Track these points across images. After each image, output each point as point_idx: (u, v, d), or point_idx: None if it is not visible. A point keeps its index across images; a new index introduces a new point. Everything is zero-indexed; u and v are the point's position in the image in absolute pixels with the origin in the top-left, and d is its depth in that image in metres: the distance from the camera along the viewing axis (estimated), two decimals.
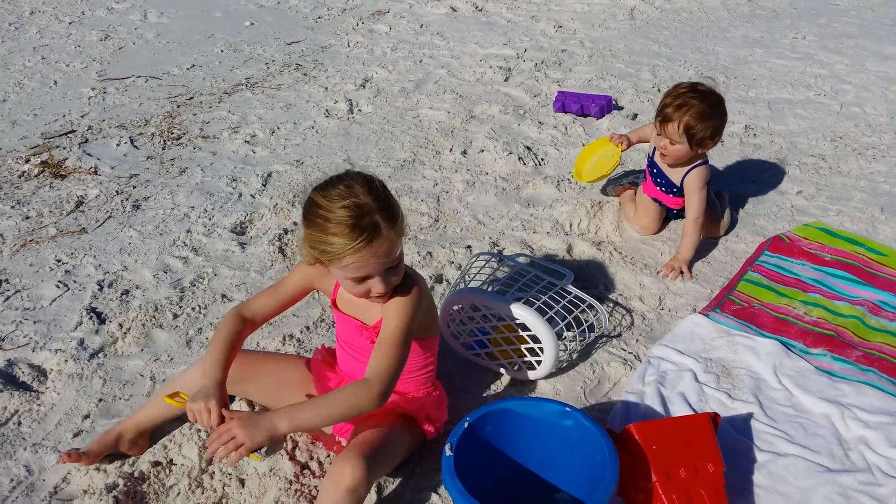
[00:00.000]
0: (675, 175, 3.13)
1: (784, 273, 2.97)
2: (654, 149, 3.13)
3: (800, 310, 2.76)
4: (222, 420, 1.78)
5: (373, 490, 2.03)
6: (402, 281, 1.92)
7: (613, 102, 4.61)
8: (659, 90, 4.85)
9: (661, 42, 5.85)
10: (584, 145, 3.70)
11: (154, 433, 2.21)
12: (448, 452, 1.78)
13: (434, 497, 2.03)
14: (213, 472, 2.08)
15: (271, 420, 1.75)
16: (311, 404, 1.82)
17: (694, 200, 3.05)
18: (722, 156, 3.99)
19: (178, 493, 2.03)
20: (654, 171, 3.22)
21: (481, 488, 1.72)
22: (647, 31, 6.16)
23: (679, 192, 3.16)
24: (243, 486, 2.05)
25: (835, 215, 3.40)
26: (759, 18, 6.47)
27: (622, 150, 3.38)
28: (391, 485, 2.07)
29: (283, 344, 2.62)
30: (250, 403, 2.30)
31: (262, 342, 2.64)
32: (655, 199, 3.28)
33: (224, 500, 2.02)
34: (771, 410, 2.30)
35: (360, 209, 1.73)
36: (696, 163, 3.06)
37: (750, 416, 2.28)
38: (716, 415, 1.99)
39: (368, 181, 1.79)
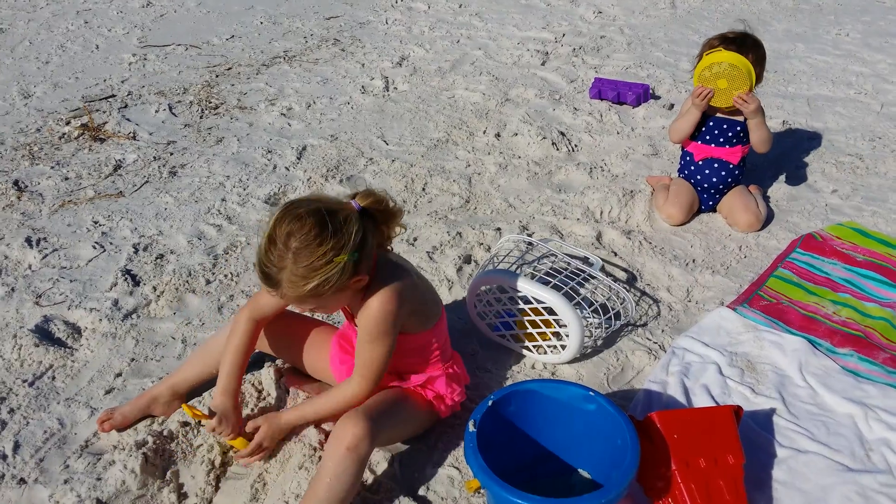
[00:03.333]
0: (738, 114, 3.25)
1: (815, 271, 2.95)
2: (715, 109, 3.27)
3: (829, 309, 2.75)
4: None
5: (395, 462, 2.07)
6: (378, 283, 1.90)
7: (651, 91, 4.58)
8: None
9: (702, 32, 5.78)
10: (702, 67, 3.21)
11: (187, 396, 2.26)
12: (471, 428, 1.80)
13: (454, 472, 2.06)
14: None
15: (284, 420, 2.04)
16: (310, 402, 2.06)
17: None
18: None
19: (205, 453, 2.08)
20: (711, 125, 3.28)
21: (502, 465, 1.75)
22: (688, 21, 6.10)
23: (743, 132, 3.24)
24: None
25: (869, 216, 3.37)
26: (802, 13, 6.37)
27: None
28: (412, 458, 2.10)
29: (312, 315, 2.65)
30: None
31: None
32: (714, 162, 3.29)
33: (249, 463, 2.07)
34: (794, 407, 2.30)
35: (270, 260, 1.75)
36: None
37: (772, 411, 2.28)
38: (738, 408, 1.99)
39: (311, 238, 1.73)
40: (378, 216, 1.90)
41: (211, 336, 2.29)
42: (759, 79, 3.14)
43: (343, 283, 1.78)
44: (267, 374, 2.27)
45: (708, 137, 3.29)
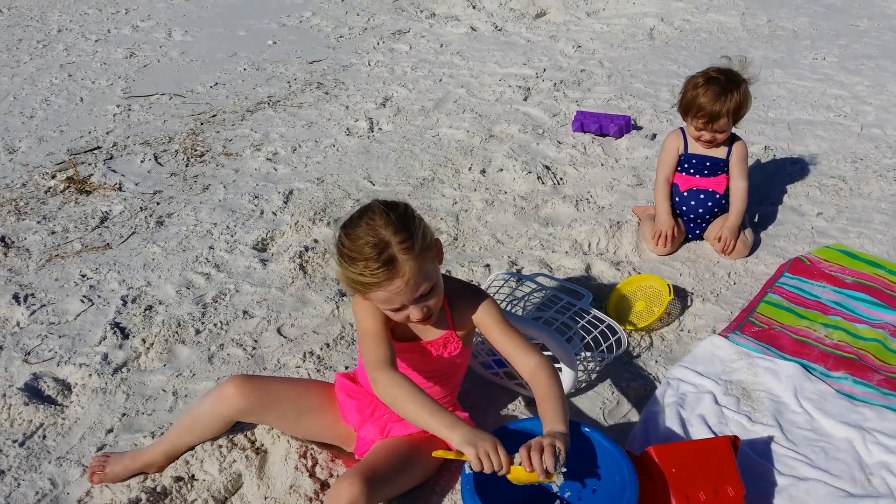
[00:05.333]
0: (719, 152, 3.31)
1: (804, 295, 2.96)
2: (686, 145, 3.33)
3: (820, 332, 2.75)
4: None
5: None
6: (466, 289, 2.08)
7: (632, 122, 4.62)
8: None
9: (681, 62, 5.86)
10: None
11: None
12: (468, 470, 1.78)
13: None
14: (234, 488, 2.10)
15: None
16: (552, 404, 1.87)
17: (744, 168, 3.30)
18: None
19: None
20: (694, 161, 3.32)
21: None
22: (667, 52, 6.18)
23: (726, 166, 3.29)
24: (265, 501, 2.07)
25: (855, 237, 3.39)
26: (778, 39, 6.47)
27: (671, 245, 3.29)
28: (410, 502, 2.07)
29: (304, 360, 2.64)
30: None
31: (282, 358, 2.66)
32: (700, 193, 3.32)
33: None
34: (791, 434, 2.29)
35: (378, 246, 1.80)
36: (732, 135, 3.32)
37: (770, 439, 2.27)
38: (736, 438, 1.98)
39: (387, 212, 1.85)
40: None
41: (197, 403, 2.17)
42: (743, 113, 3.18)
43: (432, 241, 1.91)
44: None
45: (692, 171, 3.31)
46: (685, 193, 3.33)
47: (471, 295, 2.09)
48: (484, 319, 2.07)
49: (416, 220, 1.88)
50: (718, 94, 3.10)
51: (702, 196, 3.30)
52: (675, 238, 3.27)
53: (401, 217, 1.85)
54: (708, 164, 3.29)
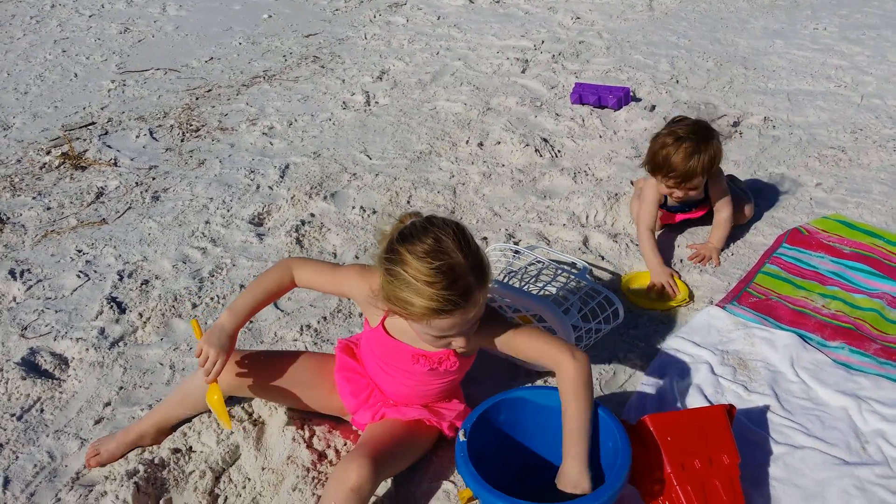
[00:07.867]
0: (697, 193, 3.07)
1: (802, 266, 2.95)
2: (665, 197, 3.10)
3: (818, 302, 2.75)
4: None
5: (390, 479, 2.04)
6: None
7: (631, 94, 4.59)
8: (678, 81, 4.82)
9: (680, 33, 5.81)
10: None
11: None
12: (462, 437, 1.79)
13: (450, 485, 2.04)
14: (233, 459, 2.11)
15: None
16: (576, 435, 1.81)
17: (724, 201, 3.08)
18: (741, 147, 3.96)
19: (198, 479, 2.05)
20: (676, 206, 3.16)
21: (495, 474, 1.73)
22: (666, 23, 6.13)
23: (706, 200, 3.12)
24: (262, 472, 2.07)
25: (854, 208, 3.38)
26: (779, 9, 6.41)
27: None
28: (408, 474, 2.08)
29: (301, 334, 2.64)
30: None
31: (279, 332, 2.66)
32: (682, 220, 3.22)
33: (243, 487, 2.05)
34: (788, 403, 2.29)
35: (453, 271, 1.62)
36: None
37: (766, 408, 2.27)
38: (731, 406, 1.98)
39: (458, 233, 1.68)
40: None
41: (189, 376, 2.20)
42: (717, 166, 2.97)
43: None
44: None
45: (675, 209, 3.19)
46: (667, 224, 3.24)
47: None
48: (501, 339, 1.92)
49: (477, 245, 1.72)
50: (691, 152, 2.85)
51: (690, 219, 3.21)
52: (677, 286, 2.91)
53: (468, 240, 1.69)
54: (690, 202, 3.13)
